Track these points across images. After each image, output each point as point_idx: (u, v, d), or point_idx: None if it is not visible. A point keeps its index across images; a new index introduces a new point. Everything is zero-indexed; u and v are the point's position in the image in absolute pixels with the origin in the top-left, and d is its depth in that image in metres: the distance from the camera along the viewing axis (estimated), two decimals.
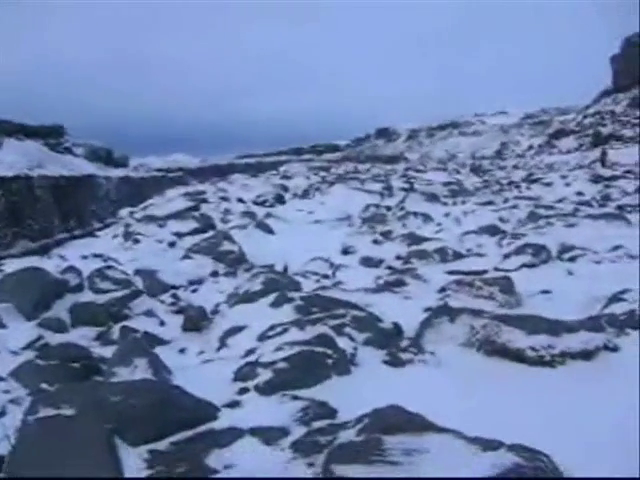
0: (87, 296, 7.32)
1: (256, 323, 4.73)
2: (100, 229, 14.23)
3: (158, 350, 4.61)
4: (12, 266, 8.17)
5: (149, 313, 6.90)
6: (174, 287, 7.79)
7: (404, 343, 4.26)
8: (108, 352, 4.74)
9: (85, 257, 9.63)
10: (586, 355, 3.91)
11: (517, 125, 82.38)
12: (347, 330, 4.29)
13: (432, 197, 13.22)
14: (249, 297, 5.57)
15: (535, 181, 18.02)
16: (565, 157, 43.92)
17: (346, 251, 9.86)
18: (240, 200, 13.15)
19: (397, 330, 4.60)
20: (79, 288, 7.47)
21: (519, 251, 7.50)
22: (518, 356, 3.97)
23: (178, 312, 7.11)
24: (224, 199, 13.01)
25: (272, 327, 4.43)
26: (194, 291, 7.90)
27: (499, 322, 4.19)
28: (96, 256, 9.67)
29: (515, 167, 39.00)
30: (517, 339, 4.06)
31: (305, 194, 14.20)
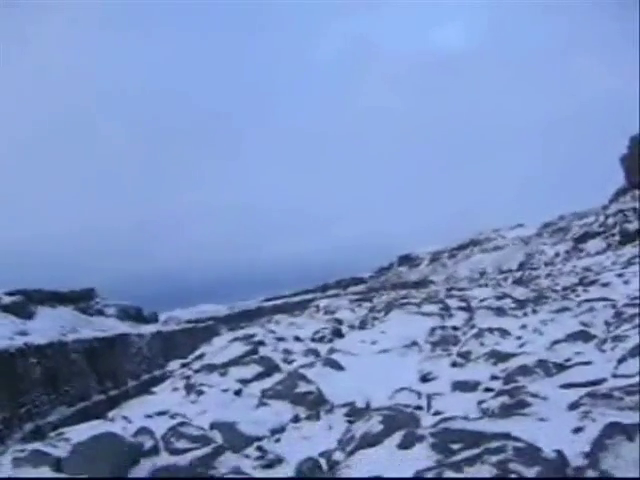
0: (165, 459, 6.63)
1: (393, 471, 4.02)
2: (153, 384, 13.57)
3: None
4: (77, 434, 7.52)
5: (238, 471, 6.18)
6: (257, 439, 7.07)
7: (588, 473, 3.53)
8: None
9: (149, 416, 8.92)
10: None
11: (537, 235, 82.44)
12: (512, 466, 3.59)
13: (499, 311, 12.59)
14: (369, 441, 4.83)
15: (591, 283, 17.36)
16: (597, 258, 43.32)
17: (425, 378, 9.11)
18: (297, 339, 12.59)
19: (562, 459, 3.87)
20: (155, 451, 6.79)
21: (634, 353, 6.76)
22: None
23: (267, 466, 6.40)
24: (280, 339, 12.45)
25: (418, 473, 3.73)
26: (278, 441, 7.18)
27: None
28: (161, 413, 8.98)
29: (549, 275, 38.32)
30: None
31: (363, 325, 13.63)
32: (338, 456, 4.98)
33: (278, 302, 78.21)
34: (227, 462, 6.43)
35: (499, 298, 16.14)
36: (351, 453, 4.77)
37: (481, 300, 16.04)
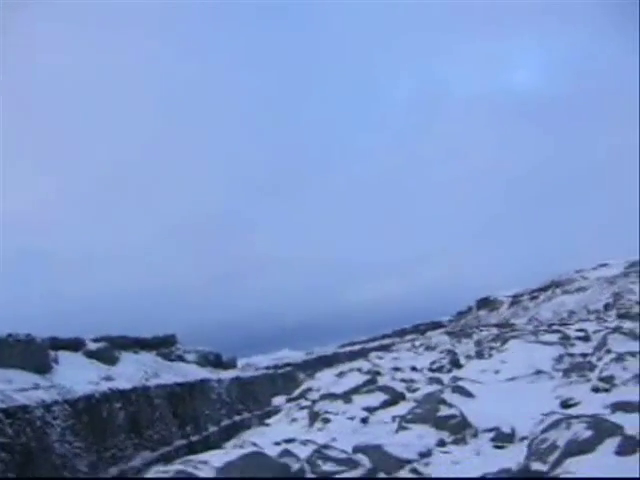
0: None
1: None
2: (235, 430, 13.52)
3: None
4: (217, 459, 7.34)
5: None
6: (408, 461, 6.72)
7: None
8: None
9: (278, 443, 8.75)
10: None
11: (623, 275, 78.62)
12: None
13: (632, 335, 11.85)
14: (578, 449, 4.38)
15: None
16: None
17: (567, 404, 8.55)
18: (414, 369, 12.22)
19: None
20: (301, 472, 6.57)
21: None
22: None
23: None
24: (397, 369, 12.13)
25: None
26: (427, 464, 6.81)
27: None
28: (288, 441, 8.77)
29: None
30: None
31: (480, 355, 13.13)
32: (538, 467, 4.56)
33: (355, 347, 77.56)
34: None
35: (615, 330, 15.28)
36: (558, 463, 4.33)
37: (595, 332, 15.23)
